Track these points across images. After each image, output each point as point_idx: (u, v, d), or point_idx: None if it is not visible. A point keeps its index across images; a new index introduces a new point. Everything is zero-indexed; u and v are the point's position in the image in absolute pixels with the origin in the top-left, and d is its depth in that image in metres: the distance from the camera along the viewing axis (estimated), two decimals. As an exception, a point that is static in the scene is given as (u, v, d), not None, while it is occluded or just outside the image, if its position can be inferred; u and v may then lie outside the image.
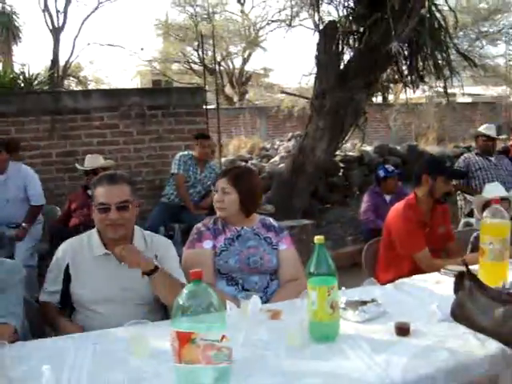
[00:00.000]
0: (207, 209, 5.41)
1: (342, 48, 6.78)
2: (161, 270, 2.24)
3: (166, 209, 5.75)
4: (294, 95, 10.94)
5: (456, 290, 2.07)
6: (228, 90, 21.46)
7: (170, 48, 21.01)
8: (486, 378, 1.73)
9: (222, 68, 20.65)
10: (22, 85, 7.55)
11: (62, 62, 17.91)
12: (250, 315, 1.98)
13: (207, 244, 2.63)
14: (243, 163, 9.05)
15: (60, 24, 17.60)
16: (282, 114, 14.93)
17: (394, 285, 2.54)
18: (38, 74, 8.26)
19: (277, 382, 1.60)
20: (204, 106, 7.05)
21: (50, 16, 17.47)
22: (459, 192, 5.76)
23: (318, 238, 1.88)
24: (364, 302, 2.12)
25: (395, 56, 6.03)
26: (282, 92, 13.00)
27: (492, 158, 5.62)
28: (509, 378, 1.76)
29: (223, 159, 8.63)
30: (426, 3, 6.17)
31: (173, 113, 6.70)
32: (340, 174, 9.09)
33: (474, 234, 3.21)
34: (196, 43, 18.43)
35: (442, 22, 6.58)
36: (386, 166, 6.15)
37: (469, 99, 19.87)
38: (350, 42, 6.86)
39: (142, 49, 28.76)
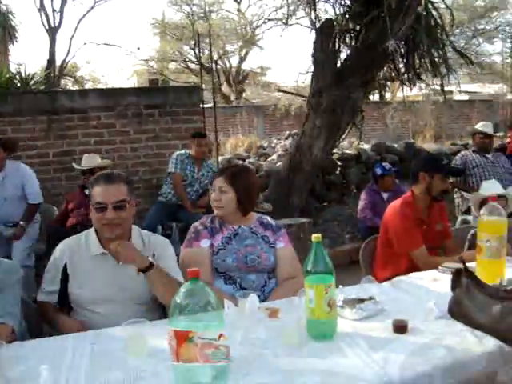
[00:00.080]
0: (205, 207, 5.41)
1: (339, 46, 6.79)
2: (156, 267, 2.25)
3: (163, 208, 5.75)
4: (291, 94, 10.93)
5: (453, 288, 2.07)
6: (225, 88, 21.44)
7: (167, 47, 20.99)
8: (483, 374, 1.73)
9: (218, 67, 20.62)
10: (19, 84, 7.52)
11: (58, 62, 17.86)
12: (247, 314, 1.98)
13: (205, 243, 2.63)
14: (240, 162, 9.04)
15: (56, 23, 17.54)
16: (279, 112, 14.94)
17: (392, 282, 2.54)
18: (35, 73, 8.22)
19: (275, 381, 1.60)
20: (201, 105, 7.05)
21: (46, 15, 17.42)
22: (456, 189, 5.77)
23: (316, 236, 1.88)
24: (361, 300, 2.13)
25: (392, 54, 6.03)
26: (279, 90, 12.99)
27: (489, 156, 5.64)
28: (506, 374, 1.76)
29: (220, 158, 8.62)
30: (423, 1, 6.18)
31: (169, 112, 6.70)
32: (337, 172, 9.08)
33: (471, 232, 3.21)
34: (193, 42, 18.42)
35: (439, 20, 6.59)
36: (383, 164, 6.16)
37: (466, 97, 19.91)
38: (347, 40, 6.87)
39: (138, 48, 28.62)
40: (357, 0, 6.61)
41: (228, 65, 21.76)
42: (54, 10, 17.20)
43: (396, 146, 10.75)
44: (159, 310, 2.37)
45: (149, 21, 20.87)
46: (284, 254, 2.71)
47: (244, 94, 20.79)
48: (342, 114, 6.62)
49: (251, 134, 13.08)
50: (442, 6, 7.05)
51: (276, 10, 8.54)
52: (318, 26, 6.86)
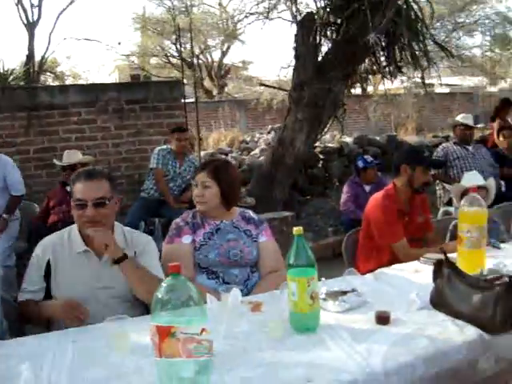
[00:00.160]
0: (187, 202, 5.39)
1: (320, 40, 6.79)
2: (130, 260, 2.25)
3: (145, 204, 5.72)
4: (273, 88, 10.90)
5: (435, 278, 2.09)
6: (207, 83, 21.34)
7: (148, 42, 20.81)
8: (465, 362, 1.75)
9: (200, 61, 20.51)
10: (-3, 81, 7.44)
11: (37, 58, 17.61)
12: (230, 308, 1.98)
13: (186, 239, 2.62)
14: (223, 156, 9.03)
15: (35, 18, 17.27)
16: (261, 106, 14.91)
17: (374, 274, 2.55)
18: (14, 69, 8.15)
19: (258, 374, 1.60)
20: (182, 100, 7.02)
21: (24, 10, 17.13)
22: (438, 181, 5.81)
23: (297, 230, 1.88)
24: (344, 292, 2.13)
25: (373, 47, 6.05)
26: (261, 84, 12.93)
27: (470, 147, 5.68)
28: (487, 362, 1.79)
29: (203, 153, 8.60)
30: (403, -6, 6.21)
31: (151, 107, 6.67)
32: (320, 165, 9.11)
33: (453, 223, 3.23)
34: (174, 37, 18.28)
35: (419, 13, 6.62)
36: (365, 157, 6.19)
37: (447, 89, 20.05)
38: (328, 33, 6.87)
39: (119, 43, 28.45)
40: (337, -7, 6.62)
41: (210, 59, 21.65)
42: (32, 5, 16.92)
43: (378, 138, 10.82)
44: (141, 308, 2.35)
45: (129, 15, 20.71)
46: (266, 247, 2.71)
47: (226, 89, 20.72)
48: (323, 108, 6.63)
49: (234, 129, 13.05)
50: (422, -1, 7.09)
51: (257, 4, 8.49)
52: (299, 19, 6.86)
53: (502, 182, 5.61)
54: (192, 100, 8.61)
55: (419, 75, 7.21)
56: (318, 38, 6.73)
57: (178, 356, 1.48)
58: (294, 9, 7.13)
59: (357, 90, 9.64)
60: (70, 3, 18.11)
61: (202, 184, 2.64)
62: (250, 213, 2.83)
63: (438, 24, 14.21)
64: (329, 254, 5.66)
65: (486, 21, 15.49)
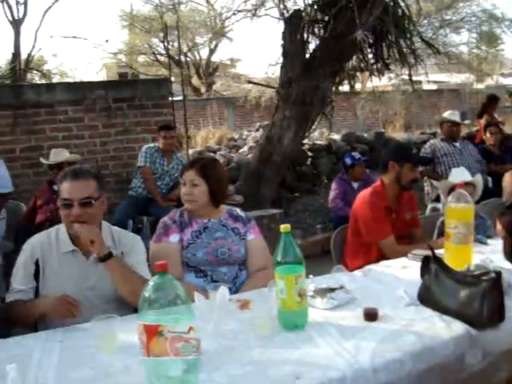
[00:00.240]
0: (176, 200, 5.36)
1: (308, 37, 6.80)
2: (116, 258, 2.23)
3: (133, 202, 5.69)
4: (261, 85, 10.91)
5: (422, 274, 2.10)
6: (195, 81, 21.28)
7: (136, 40, 20.71)
8: (452, 358, 1.76)
9: (188, 59, 20.44)
10: (-18, 79, 7.37)
11: (24, 55, 17.47)
12: (218, 306, 1.98)
13: (174, 238, 2.61)
14: (211, 154, 9.01)
15: (20, 15, 17.12)
16: (249, 104, 14.91)
17: (362, 271, 2.56)
18: (-1, 67, 8.06)
19: (247, 372, 1.60)
20: (170, 98, 6.99)
21: (10, 7, 16.98)
22: (426, 178, 5.84)
23: (284, 227, 1.88)
24: (332, 289, 2.14)
25: (360, 44, 6.07)
26: (249, 82, 12.93)
27: (457, 144, 5.71)
28: (474, 357, 1.80)
29: (191, 151, 8.57)
30: (390, -9, 6.23)
31: (138, 105, 6.64)
32: (308, 162, 9.13)
33: (441, 219, 3.24)
34: (162, 34, 18.20)
35: (406, 11, 6.64)
36: (353, 154, 6.20)
37: (434, 86, 20.18)
38: (316, 30, 6.88)
39: (106, 41, 28.13)
40: (325, -10, 6.62)
41: (198, 57, 21.59)
42: (17, 2, 16.78)
43: (366, 135, 10.86)
44: (129, 308, 2.34)
45: (117, 13, 20.60)
46: (255, 245, 2.71)
47: (214, 87, 20.66)
48: (311, 105, 6.64)
49: (222, 127, 13.03)
50: (409, -4, 7.12)
51: (245, 1, 8.48)
52: (286, 16, 6.86)
53: (489, 178, 5.65)
54: (180, 98, 8.57)
55: (407, 72, 7.24)
56: (305, 35, 6.74)
57: (165, 355, 1.47)
58: (281, 6, 7.13)
59: (345, 87, 9.69)
60: (56, 0, 18.00)
61: (190, 182, 2.63)
62: (238, 211, 2.82)
63: (425, 21, 14.29)
64: (318, 251, 5.67)
65: (473, 18, 15.59)
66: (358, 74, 7.88)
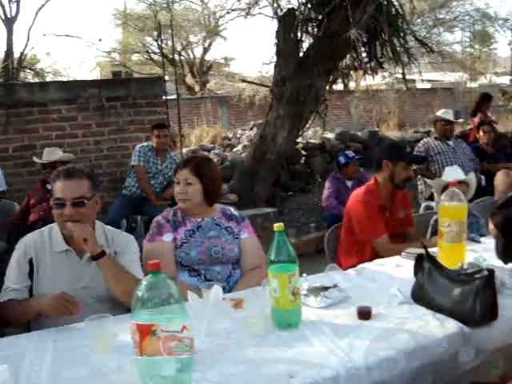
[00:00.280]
0: (169, 199, 5.36)
1: (301, 35, 6.80)
2: (108, 257, 2.23)
3: (127, 201, 5.68)
4: (255, 84, 10.90)
5: (416, 273, 2.11)
6: (189, 79, 21.25)
7: (130, 38, 20.68)
8: (445, 356, 1.76)
9: (182, 58, 20.43)
10: (-25, 78, 7.33)
11: (16, 54, 17.39)
12: (212, 305, 1.98)
13: (167, 237, 2.61)
14: (205, 153, 9.00)
15: (13, 14, 17.04)
16: (243, 103, 14.92)
17: (356, 270, 2.56)
18: (-8, 66, 8.02)
19: (240, 371, 1.60)
20: (164, 97, 6.98)
21: (2, 6, 16.92)
22: (419, 176, 5.85)
23: (277, 226, 1.88)
24: (326, 288, 2.14)
25: (354, 43, 6.07)
26: (243, 81, 12.93)
27: (450, 142, 5.73)
28: (467, 354, 1.80)
29: (185, 149, 8.56)
30: (383, -10, 6.23)
31: (132, 104, 6.62)
32: (302, 161, 9.12)
33: (434, 217, 3.25)
34: (155, 33, 18.17)
35: (399, 9, 6.65)
36: (347, 152, 6.21)
37: (428, 85, 20.25)
38: (309, 29, 6.88)
39: (100, 39, 28.07)
40: (318, -11, 6.62)
41: (192, 56, 21.58)
42: (10, 0, 16.71)
43: (360, 134, 10.86)
44: (123, 308, 2.33)
45: (110, 11, 20.55)
46: (248, 244, 2.71)
47: (208, 85, 20.64)
48: (305, 104, 6.64)
49: (216, 125, 13.01)
50: (403, -5, 7.13)
51: (239, 0, 8.47)
52: (280, 15, 6.85)
53: (482, 177, 5.67)
54: (174, 97, 8.56)
55: (400, 71, 7.25)
56: (299, 33, 6.74)
57: (159, 354, 1.47)
58: (275, 5, 7.12)
59: (338, 86, 9.69)
60: (49, -1, 17.90)
61: (184, 181, 2.63)
62: (232, 209, 2.82)
63: (419, 20, 14.33)
64: (312, 249, 5.67)
65: (466, 17, 15.65)
66: (351, 72, 7.89)
